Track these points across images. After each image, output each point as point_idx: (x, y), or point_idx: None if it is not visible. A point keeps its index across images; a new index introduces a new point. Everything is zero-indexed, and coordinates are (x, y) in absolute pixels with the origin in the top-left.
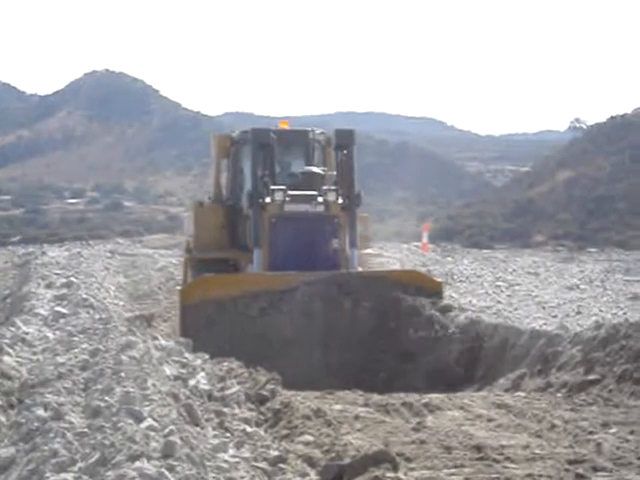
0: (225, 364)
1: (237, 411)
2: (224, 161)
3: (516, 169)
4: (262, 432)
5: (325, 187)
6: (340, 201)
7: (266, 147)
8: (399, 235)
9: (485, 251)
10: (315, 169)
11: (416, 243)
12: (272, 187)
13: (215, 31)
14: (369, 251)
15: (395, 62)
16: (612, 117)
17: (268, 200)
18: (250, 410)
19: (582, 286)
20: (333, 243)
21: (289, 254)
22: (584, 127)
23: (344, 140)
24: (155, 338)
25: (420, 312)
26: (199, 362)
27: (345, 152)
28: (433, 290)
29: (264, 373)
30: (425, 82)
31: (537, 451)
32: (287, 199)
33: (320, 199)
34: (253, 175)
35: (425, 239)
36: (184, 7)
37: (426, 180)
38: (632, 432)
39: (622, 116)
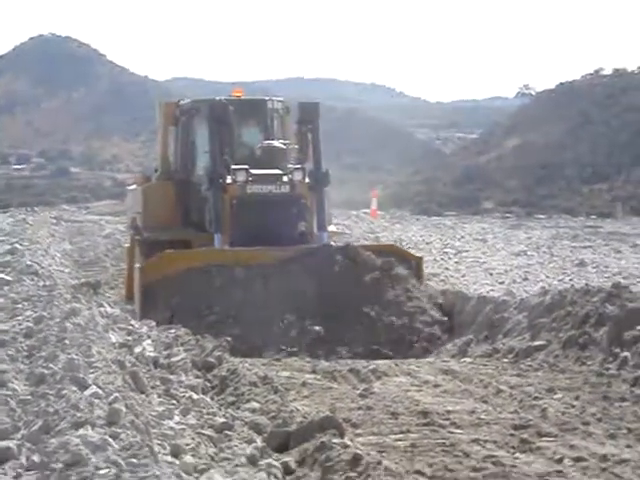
0: (172, 331)
1: (183, 378)
2: (171, 130)
3: (465, 136)
4: (208, 399)
5: (290, 165)
6: (307, 180)
7: (224, 123)
8: (348, 202)
9: (434, 218)
10: (276, 143)
11: (365, 210)
12: (233, 166)
13: None
14: (332, 228)
15: (343, 27)
16: (561, 83)
17: (229, 180)
18: (196, 377)
19: (529, 252)
20: (300, 226)
21: (252, 239)
22: (533, 93)
23: (308, 114)
24: (100, 305)
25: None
26: (145, 329)
27: (309, 127)
28: (413, 264)
29: (211, 340)
30: (374, 48)
31: (483, 416)
32: (250, 179)
33: (285, 178)
34: (212, 153)
35: (374, 206)
36: None
37: (375, 147)
38: (577, 397)
39: (571, 82)
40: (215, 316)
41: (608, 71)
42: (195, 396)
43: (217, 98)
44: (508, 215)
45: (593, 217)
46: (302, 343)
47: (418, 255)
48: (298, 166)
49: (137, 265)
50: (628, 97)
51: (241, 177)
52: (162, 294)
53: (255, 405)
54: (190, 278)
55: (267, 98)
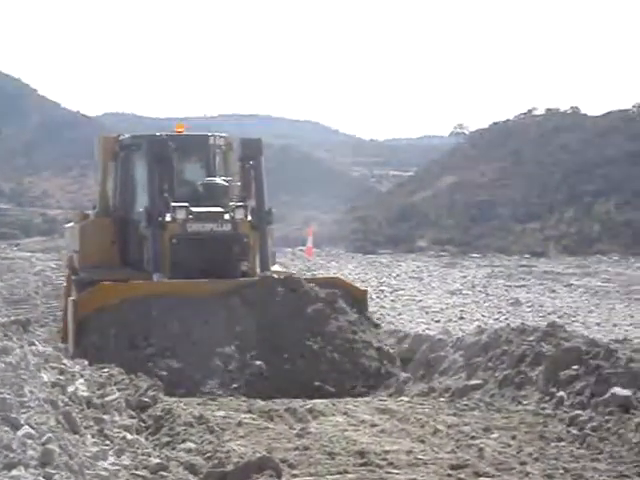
0: (105, 370)
1: (117, 418)
2: (110, 165)
3: (400, 174)
4: (143, 440)
5: (232, 203)
6: (249, 218)
7: (164, 159)
8: (284, 240)
9: (369, 256)
10: (218, 180)
11: (301, 248)
12: (173, 204)
13: (92, 29)
14: (277, 267)
15: (279, 64)
16: (494, 123)
17: (168, 218)
18: (130, 417)
19: (465, 291)
20: (242, 266)
21: (193, 278)
22: (466, 133)
23: (251, 150)
24: (32, 344)
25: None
26: (78, 368)
27: (252, 163)
28: (357, 298)
29: (145, 379)
30: (310, 85)
31: (420, 456)
32: (190, 217)
33: (227, 217)
34: (151, 190)
35: (309, 243)
36: (61, 4)
37: (311, 184)
38: (513, 437)
39: (504, 122)
40: (152, 348)
41: (541, 111)
42: (129, 436)
43: (158, 134)
44: (443, 254)
45: (527, 256)
46: (242, 378)
47: (363, 289)
48: (240, 204)
49: (71, 298)
50: (560, 137)
51: (181, 215)
52: (97, 326)
53: (191, 445)
54: (126, 309)
55: (209, 134)
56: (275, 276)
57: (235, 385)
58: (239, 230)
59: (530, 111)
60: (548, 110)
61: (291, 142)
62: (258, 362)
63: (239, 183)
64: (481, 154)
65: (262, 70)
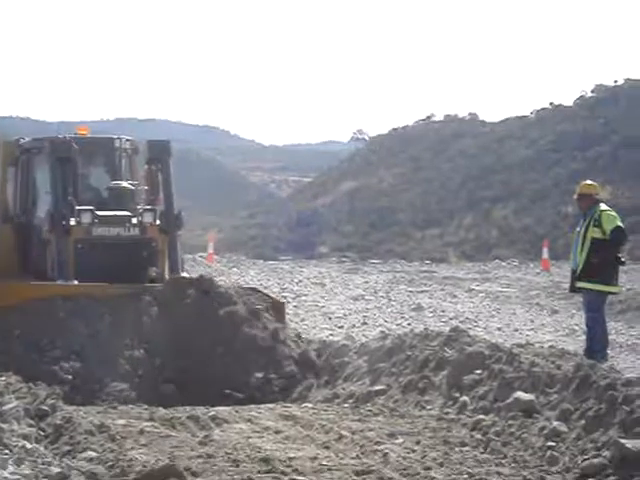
0: (3, 378)
1: (16, 427)
2: (10, 170)
3: (300, 179)
4: (42, 448)
5: (140, 206)
6: (158, 222)
7: (67, 161)
8: (183, 245)
9: (270, 262)
10: (124, 184)
11: (201, 254)
12: (78, 207)
13: None
14: (184, 275)
15: (174, 68)
16: (394, 129)
17: (73, 222)
18: (30, 426)
19: (367, 297)
20: (150, 271)
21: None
22: (366, 138)
23: (159, 153)
24: None
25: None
26: None
27: (160, 166)
28: (275, 308)
29: (44, 387)
30: (207, 90)
31: (325, 462)
32: (96, 221)
33: (134, 220)
34: (54, 193)
35: (210, 250)
36: None
37: (210, 189)
38: (418, 442)
39: (403, 128)
40: (58, 351)
41: (439, 117)
42: (29, 445)
43: (60, 135)
44: (344, 259)
45: (427, 262)
46: (151, 391)
47: (281, 300)
48: (149, 207)
49: None
50: (458, 143)
51: (86, 219)
52: (1, 328)
53: (92, 454)
54: (32, 311)
55: (115, 137)
56: (186, 275)
57: (142, 400)
58: (147, 234)
59: (429, 117)
60: (447, 116)
61: (190, 147)
62: (171, 385)
63: (146, 187)
64: (380, 160)
65: (160, 73)
